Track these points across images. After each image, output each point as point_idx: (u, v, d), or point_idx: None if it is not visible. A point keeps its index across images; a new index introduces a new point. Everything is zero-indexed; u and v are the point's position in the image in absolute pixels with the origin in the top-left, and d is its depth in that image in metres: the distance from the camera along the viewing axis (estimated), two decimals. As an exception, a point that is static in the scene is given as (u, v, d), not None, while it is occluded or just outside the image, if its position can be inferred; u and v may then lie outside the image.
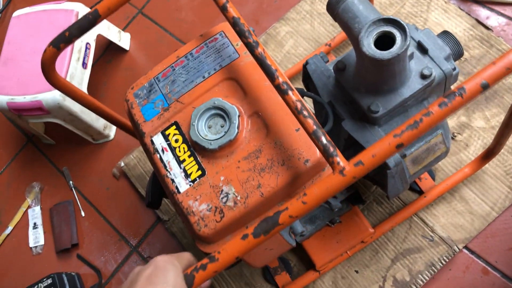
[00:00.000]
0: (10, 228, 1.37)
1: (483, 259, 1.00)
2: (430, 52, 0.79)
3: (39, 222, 1.35)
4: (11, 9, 1.74)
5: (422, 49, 0.79)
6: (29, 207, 1.38)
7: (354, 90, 0.80)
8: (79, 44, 1.26)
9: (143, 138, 0.75)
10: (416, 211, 1.05)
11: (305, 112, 0.61)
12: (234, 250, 0.57)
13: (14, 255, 1.35)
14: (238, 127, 0.68)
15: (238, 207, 0.67)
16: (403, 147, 0.56)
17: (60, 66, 1.22)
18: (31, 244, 1.34)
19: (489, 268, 0.99)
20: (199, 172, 0.70)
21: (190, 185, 0.70)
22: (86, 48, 1.27)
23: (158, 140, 0.74)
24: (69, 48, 1.23)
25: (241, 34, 0.67)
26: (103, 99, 1.39)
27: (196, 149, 0.71)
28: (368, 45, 0.69)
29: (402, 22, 0.68)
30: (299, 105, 0.61)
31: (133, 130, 0.81)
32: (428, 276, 1.01)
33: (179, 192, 0.70)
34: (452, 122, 1.10)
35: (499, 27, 1.15)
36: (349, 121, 0.82)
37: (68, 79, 1.21)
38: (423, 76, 0.77)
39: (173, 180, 0.71)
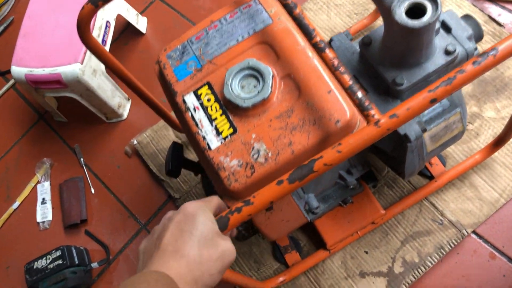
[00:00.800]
0: (17, 203, 1.38)
1: (490, 243, 1.03)
2: (453, 31, 0.83)
3: (47, 197, 1.36)
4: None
5: (446, 27, 0.83)
6: (38, 182, 1.38)
7: (379, 64, 0.83)
8: (100, 21, 1.28)
9: (175, 97, 0.77)
10: (427, 195, 1.07)
11: (341, 69, 0.63)
12: (269, 194, 0.59)
13: (21, 230, 1.35)
14: (271, 87, 0.71)
15: (269, 163, 0.69)
16: (436, 103, 0.59)
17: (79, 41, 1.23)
18: (39, 219, 1.34)
19: (496, 253, 1.02)
20: (231, 130, 0.72)
21: (221, 142, 0.72)
22: (106, 26, 1.29)
23: (190, 99, 0.76)
24: (91, 24, 1.25)
25: (279, -4, 0.69)
26: (120, 84, 1.40)
27: (229, 107, 0.73)
28: (400, 14, 0.72)
29: (433, -6, 0.71)
30: (336, 62, 0.64)
31: (164, 91, 0.82)
32: (436, 259, 1.03)
33: (210, 148, 0.72)
34: (463, 112, 1.13)
35: (510, 24, 1.19)
36: (373, 95, 0.85)
37: (87, 56, 1.23)
38: (447, 52, 0.80)
39: (204, 137, 0.73)
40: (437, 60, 0.80)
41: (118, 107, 1.37)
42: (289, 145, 0.69)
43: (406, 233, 1.06)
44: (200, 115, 0.74)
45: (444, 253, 1.03)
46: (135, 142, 1.33)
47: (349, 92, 0.62)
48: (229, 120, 0.73)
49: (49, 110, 1.42)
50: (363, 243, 1.08)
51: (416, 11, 0.73)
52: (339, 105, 0.69)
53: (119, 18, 1.38)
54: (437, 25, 0.79)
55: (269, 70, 0.71)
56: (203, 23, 0.81)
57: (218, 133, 0.73)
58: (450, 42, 0.80)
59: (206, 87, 0.76)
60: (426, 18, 0.70)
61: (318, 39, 0.65)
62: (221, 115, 0.73)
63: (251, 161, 0.70)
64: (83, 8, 0.79)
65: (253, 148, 0.70)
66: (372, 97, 0.85)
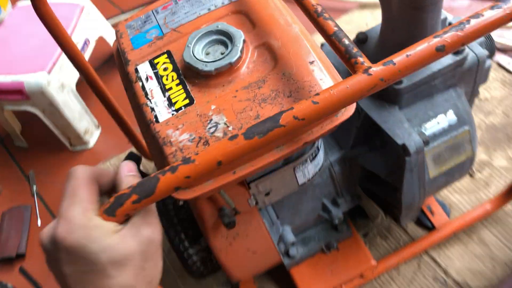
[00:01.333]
0: (-49, 231, 1.18)
1: (506, 313, 0.82)
2: (462, 35, 0.71)
3: (-14, 226, 1.16)
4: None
5: (453, 30, 0.72)
6: (-21, 209, 1.20)
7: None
8: (78, 37, 1.18)
9: (126, 67, 0.64)
10: (427, 248, 0.89)
11: (325, 15, 0.51)
12: (216, 152, 0.43)
13: None
14: (241, 51, 0.57)
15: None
16: (444, 53, 0.45)
17: (52, 50, 1.13)
18: (-30, 251, 1.13)
19: (513, 327, 0.81)
20: (186, 101, 0.57)
21: (173, 114, 0.57)
22: (85, 43, 1.20)
23: (144, 68, 0.62)
24: (66, 37, 1.16)
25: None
26: (92, 108, 1.28)
27: (187, 76, 0.59)
28: (402, -12, 0.61)
29: (440, -32, 0.61)
30: (319, 8, 0.51)
31: (118, 69, 0.69)
32: (438, 328, 0.82)
33: (157, 121, 0.57)
34: (470, 159, 0.99)
35: (521, 73, 1.10)
36: (366, 99, 0.72)
37: (57, 66, 1.12)
38: (456, 51, 0.68)
39: (152, 109, 0.58)
40: (444, 59, 0.68)
41: (85, 132, 1.23)
42: (255, 119, 0.54)
43: (401, 292, 0.86)
44: (152, 85, 0.60)
45: (448, 320, 0.82)
46: (96, 170, 1.17)
47: (333, 39, 0.49)
48: (186, 91, 0.58)
49: (10, 132, 1.28)
50: (347, 302, 0.87)
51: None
52: (322, 76, 0.55)
53: (103, 45, 1.30)
54: (443, 15, 0.68)
55: (240, 33, 0.59)
56: (173, -5, 0.70)
57: (171, 104, 0.58)
58: (459, 42, 0.68)
59: (165, 55, 0.62)
60: (432, -10, 0.59)
61: (300, -12, 0.53)
62: (177, 85, 0.59)
63: (205, 135, 0.54)
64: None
65: (211, 120, 0.55)
66: (364, 102, 0.72)
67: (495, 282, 0.84)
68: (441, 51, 0.45)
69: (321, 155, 0.72)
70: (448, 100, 0.72)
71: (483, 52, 0.71)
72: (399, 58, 0.45)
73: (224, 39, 0.60)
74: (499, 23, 0.46)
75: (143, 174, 0.82)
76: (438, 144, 0.72)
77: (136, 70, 0.62)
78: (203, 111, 0.56)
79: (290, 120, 0.44)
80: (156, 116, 0.57)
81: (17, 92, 1.10)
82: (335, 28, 0.49)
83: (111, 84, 1.34)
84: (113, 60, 1.38)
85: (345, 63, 0.48)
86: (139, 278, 0.44)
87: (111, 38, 1.32)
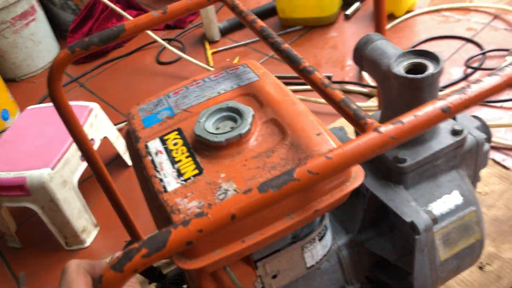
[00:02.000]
0: None
1: None
2: (458, 119, 0.75)
3: (-34, 333, 1.08)
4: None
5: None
6: (-38, 313, 1.12)
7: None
8: (85, 136, 1.22)
9: (137, 144, 0.65)
10: None
11: (332, 86, 0.53)
12: (230, 205, 0.43)
13: None
14: (250, 124, 0.60)
15: (238, 204, 0.53)
16: (449, 114, 0.47)
17: (57, 148, 1.16)
18: None
19: None
20: (196, 171, 0.58)
21: (181, 183, 0.57)
22: (91, 140, 1.23)
23: (154, 145, 0.64)
24: (73, 135, 1.19)
25: (267, 36, 0.64)
26: (91, 207, 1.26)
27: (197, 148, 0.61)
28: (399, 71, 0.65)
29: (434, 53, 0.66)
30: (326, 81, 0.55)
31: (128, 149, 0.71)
32: None
33: (166, 191, 0.57)
34: (478, 251, 0.96)
35: (517, 169, 1.12)
36: (371, 179, 0.72)
37: (61, 163, 1.14)
38: (454, 132, 0.71)
39: (161, 180, 0.58)
40: (444, 139, 0.71)
41: (82, 231, 1.20)
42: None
43: None
44: (161, 158, 0.61)
45: None
46: (91, 269, 1.12)
47: (342, 105, 0.51)
48: (195, 162, 0.59)
49: (5, 232, 1.25)
50: None
51: (416, 72, 0.67)
52: (330, 146, 0.57)
53: (107, 146, 1.33)
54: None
55: (250, 109, 0.61)
56: (184, 82, 0.74)
57: (180, 174, 0.58)
58: (457, 124, 0.71)
59: (176, 132, 0.65)
60: (429, 71, 0.63)
61: (307, 64, 0.57)
62: (186, 157, 0.60)
63: (215, 201, 0.54)
64: (59, 54, 0.74)
65: (220, 187, 0.55)
66: (370, 181, 0.72)
67: None
68: (446, 112, 0.47)
69: (328, 236, 0.70)
70: (452, 181, 0.73)
71: (481, 135, 0.74)
72: (408, 118, 0.46)
73: (234, 115, 0.62)
74: (497, 89, 0.49)
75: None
76: (446, 225, 0.71)
77: (146, 146, 0.64)
78: (212, 180, 0.57)
79: (304, 174, 0.44)
80: (164, 187, 0.58)
81: (19, 188, 1.10)
82: (343, 96, 0.52)
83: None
84: (117, 161, 1.41)
85: (355, 126, 0.50)
86: None
87: (115, 140, 1.36)
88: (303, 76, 0.57)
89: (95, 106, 1.29)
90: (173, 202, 0.55)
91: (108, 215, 1.21)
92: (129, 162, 1.42)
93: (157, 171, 0.60)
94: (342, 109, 0.51)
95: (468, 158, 0.74)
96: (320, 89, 0.54)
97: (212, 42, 1.91)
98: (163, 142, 0.64)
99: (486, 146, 0.76)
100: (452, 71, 1.45)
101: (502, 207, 1.04)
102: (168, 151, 0.62)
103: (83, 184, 1.37)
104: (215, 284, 0.63)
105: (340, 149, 0.45)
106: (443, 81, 1.42)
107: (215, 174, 0.57)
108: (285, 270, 0.67)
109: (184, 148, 0.62)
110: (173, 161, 0.60)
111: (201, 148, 0.61)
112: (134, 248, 0.41)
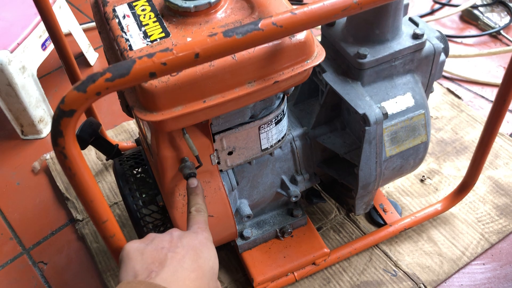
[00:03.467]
0: None
1: (453, 307, 0.83)
2: (420, 26, 0.78)
3: None
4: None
5: (413, 22, 0.78)
6: None
7: (342, 41, 0.75)
8: (46, 25, 1.18)
9: (104, 8, 0.64)
10: (379, 242, 0.90)
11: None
12: (196, 44, 0.44)
13: None
14: (221, -6, 0.60)
15: (202, 64, 0.55)
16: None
17: (17, 32, 1.12)
18: None
19: (459, 321, 0.82)
20: (162, 34, 0.59)
21: (147, 44, 0.58)
22: (52, 32, 1.20)
23: (122, 9, 0.63)
24: (34, 21, 1.16)
25: None
26: (50, 99, 1.25)
27: (165, 14, 0.61)
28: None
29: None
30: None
31: (94, 17, 0.70)
32: (387, 318, 0.81)
33: (131, 49, 0.58)
34: (422, 167, 1.03)
35: (466, 99, 1.18)
36: (331, 74, 0.75)
37: (21, 47, 1.11)
38: (415, 36, 0.74)
39: (127, 40, 0.59)
40: (404, 41, 0.74)
41: (39, 121, 1.19)
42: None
43: (352, 282, 0.86)
44: (128, 21, 0.61)
45: (398, 309, 0.82)
46: (48, 156, 1.13)
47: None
48: (162, 26, 0.60)
49: (-42, 116, 1.22)
50: (299, 290, 0.86)
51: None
52: (297, 21, 0.58)
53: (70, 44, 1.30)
54: (405, 1, 0.74)
55: (221, -20, 0.62)
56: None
57: (146, 36, 0.59)
58: (418, 29, 0.74)
59: (144, 0, 0.64)
60: (398, -35, 0.65)
61: None
62: (154, 22, 0.61)
63: (179, 60, 0.55)
64: None
65: (186, 49, 0.56)
66: (330, 76, 0.75)
67: (442, 276, 0.86)
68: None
69: (285, 122, 0.73)
70: (406, 84, 0.76)
71: (439, 44, 0.77)
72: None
73: (206, -14, 0.62)
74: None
75: (103, 141, 0.81)
76: (395, 123, 0.75)
77: (114, 10, 0.63)
78: (178, 42, 0.58)
79: (269, 25, 0.45)
80: (130, 45, 0.58)
81: (-25, 67, 1.07)
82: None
83: (69, 84, 1.33)
84: (80, 59, 1.38)
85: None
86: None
87: (78, 37, 1.32)
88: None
89: (60, -3, 1.25)
90: (138, 59, 0.56)
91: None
92: (92, 62, 1.39)
93: (124, 32, 0.60)
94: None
95: (424, 64, 0.77)
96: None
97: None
98: (131, 7, 0.63)
99: (443, 56, 0.79)
100: (420, 5, 1.48)
101: (449, 131, 1.10)
102: (136, 16, 0.62)
103: (43, 78, 1.35)
104: (173, 151, 0.66)
105: (305, 7, 0.47)
106: (409, 13, 1.44)
107: (182, 38, 0.58)
108: (240, 148, 0.70)
109: (152, 14, 0.62)
110: (140, 25, 0.61)
111: (169, 14, 0.61)
112: (99, 72, 0.42)
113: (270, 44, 0.56)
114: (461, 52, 1.27)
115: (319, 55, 0.60)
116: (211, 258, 0.53)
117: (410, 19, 0.79)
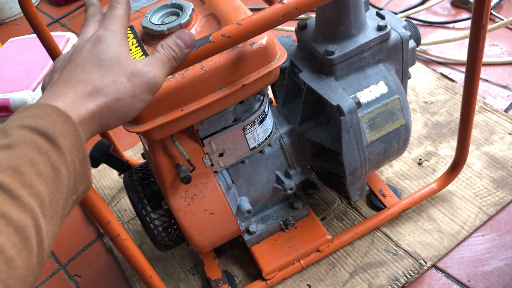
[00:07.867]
0: None
1: (454, 278, 0.87)
2: (387, 19, 0.83)
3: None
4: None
5: (379, 16, 0.84)
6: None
7: (313, 42, 0.81)
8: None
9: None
10: (380, 225, 0.95)
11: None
12: (158, 62, 0.52)
13: None
14: (190, 16, 0.68)
15: (175, 78, 0.63)
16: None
17: (36, 73, 1.24)
18: None
19: (462, 291, 0.86)
20: (143, 57, 0.68)
21: (130, 67, 0.67)
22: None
23: (109, 40, 0.73)
24: (50, 62, 1.28)
25: None
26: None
27: (145, 39, 0.70)
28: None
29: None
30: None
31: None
32: (392, 294, 0.86)
33: (118, 73, 0.67)
34: (419, 150, 1.07)
35: (460, 80, 1.21)
36: (307, 73, 0.82)
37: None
38: (379, 28, 0.79)
39: (114, 65, 0.68)
40: (369, 34, 0.80)
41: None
42: (199, 62, 0.64)
43: (356, 264, 0.91)
44: (115, 50, 0.70)
45: (400, 285, 0.86)
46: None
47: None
48: (142, 49, 0.69)
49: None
50: (306, 276, 0.91)
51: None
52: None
53: None
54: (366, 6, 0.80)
55: (190, 4, 0.70)
56: (138, -9, 0.82)
57: (130, 60, 0.68)
58: (382, 21, 0.80)
59: (128, 29, 0.73)
60: (348, -33, 0.72)
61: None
62: (136, 47, 0.70)
63: (157, 77, 0.63)
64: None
65: (162, 67, 0.65)
66: (306, 75, 0.82)
67: (443, 251, 0.90)
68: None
69: (269, 121, 0.80)
70: (378, 73, 0.82)
71: (406, 32, 0.82)
72: (307, -9, 0.55)
73: (177, 10, 0.71)
74: None
75: (114, 158, 0.90)
76: (371, 110, 0.81)
77: (103, 41, 0.73)
78: (156, 62, 0.66)
79: (218, 37, 0.53)
80: (117, 70, 0.67)
81: (3, 109, 1.20)
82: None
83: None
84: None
85: (266, 2, 0.58)
86: (95, 99, 0.45)
87: None
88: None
89: (71, 35, 1.37)
90: (123, 80, 0.65)
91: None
92: None
93: (111, 59, 0.69)
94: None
95: (393, 53, 0.83)
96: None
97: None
98: (118, 37, 0.73)
99: (412, 43, 0.85)
100: (413, -3, 1.53)
101: (444, 113, 1.14)
102: (121, 44, 0.71)
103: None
104: (167, 158, 0.74)
105: (249, 18, 0.54)
106: (402, 6, 1.49)
107: (159, 57, 0.67)
108: (230, 149, 0.78)
109: (134, 40, 0.71)
110: (125, 51, 0.70)
111: (148, 38, 0.70)
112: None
113: (234, 52, 0.64)
114: (449, 37, 1.31)
115: (281, 56, 0.68)
116: (111, 46, 0.47)
117: (377, 14, 0.84)
